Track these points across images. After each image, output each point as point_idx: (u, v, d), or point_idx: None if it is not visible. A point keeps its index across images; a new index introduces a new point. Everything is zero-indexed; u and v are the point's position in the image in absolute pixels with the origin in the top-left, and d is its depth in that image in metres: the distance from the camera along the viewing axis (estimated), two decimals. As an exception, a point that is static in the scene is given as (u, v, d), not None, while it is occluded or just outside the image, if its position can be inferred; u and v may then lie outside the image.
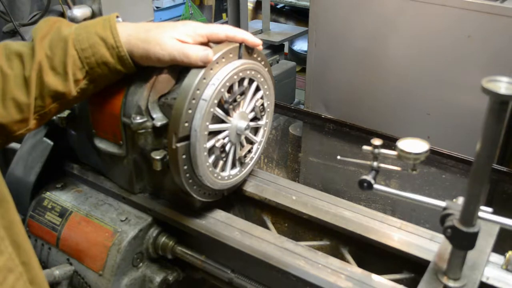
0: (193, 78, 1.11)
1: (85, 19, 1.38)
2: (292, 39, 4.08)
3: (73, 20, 1.37)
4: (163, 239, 1.31)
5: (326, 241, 1.32)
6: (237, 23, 3.06)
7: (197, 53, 1.09)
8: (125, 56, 1.10)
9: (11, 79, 1.02)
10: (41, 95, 1.06)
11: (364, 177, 1.09)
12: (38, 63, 1.04)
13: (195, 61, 1.10)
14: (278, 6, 5.18)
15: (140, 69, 1.18)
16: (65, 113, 1.37)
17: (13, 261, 0.68)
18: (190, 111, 1.11)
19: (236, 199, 1.44)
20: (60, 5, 2.26)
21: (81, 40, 1.07)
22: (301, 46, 4.49)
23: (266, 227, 1.36)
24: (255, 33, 3.45)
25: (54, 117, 1.37)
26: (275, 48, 3.44)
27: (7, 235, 0.68)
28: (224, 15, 6.43)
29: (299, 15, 4.91)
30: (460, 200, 0.98)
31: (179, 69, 1.21)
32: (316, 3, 2.24)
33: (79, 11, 1.37)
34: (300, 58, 4.07)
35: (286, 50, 4.22)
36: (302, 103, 2.98)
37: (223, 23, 6.26)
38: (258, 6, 4.66)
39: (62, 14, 2.26)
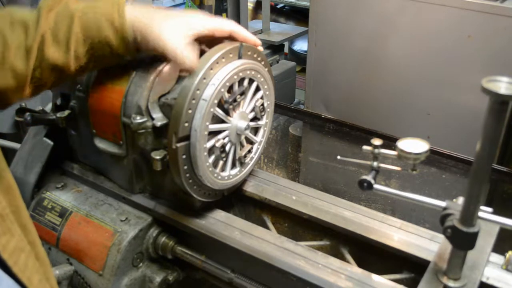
0: (193, 78, 1.11)
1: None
2: (292, 39, 4.08)
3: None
4: (163, 239, 1.31)
5: (326, 241, 1.32)
6: (237, 23, 3.06)
7: (185, 58, 1.10)
8: (129, 39, 1.10)
9: (12, 47, 1.02)
10: (40, 66, 1.06)
11: (364, 177, 1.09)
12: (41, 35, 1.04)
13: (182, 64, 1.12)
14: (278, 6, 5.18)
15: (140, 68, 1.18)
16: (65, 113, 1.37)
17: (22, 242, 0.75)
18: (190, 111, 1.11)
19: (236, 199, 1.44)
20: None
21: (87, 20, 1.08)
22: (301, 46, 4.49)
23: (266, 227, 1.36)
24: (255, 33, 3.45)
25: (54, 117, 1.38)
26: (275, 48, 3.44)
27: (15, 218, 0.75)
28: (224, 15, 6.42)
29: (299, 15, 4.91)
30: (460, 200, 0.98)
31: (179, 69, 1.21)
32: (316, 3, 2.24)
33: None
34: (300, 58, 4.07)
35: (286, 50, 4.22)
36: (302, 103, 2.98)
37: (223, 23, 6.25)
38: (258, 6, 4.66)
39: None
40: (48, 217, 1.38)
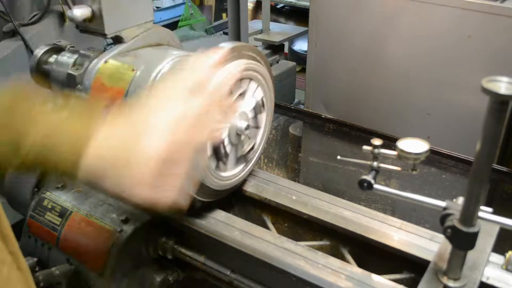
0: (194, 79, 1.11)
1: (84, 20, 1.38)
2: (292, 39, 4.08)
3: (72, 20, 1.37)
4: (163, 239, 1.31)
5: (326, 241, 1.32)
6: (237, 23, 3.06)
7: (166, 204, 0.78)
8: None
9: None
10: None
11: (364, 177, 1.09)
12: None
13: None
14: (278, 6, 5.18)
15: (140, 68, 1.18)
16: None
17: (3, 253, 0.69)
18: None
19: (236, 199, 1.44)
20: (60, 5, 2.26)
21: (39, 157, 0.75)
22: (301, 46, 4.49)
23: (266, 227, 1.36)
24: (255, 33, 3.45)
25: (54, 117, 1.38)
26: (275, 48, 3.43)
27: None
28: (224, 15, 6.43)
29: (299, 15, 4.91)
30: (460, 200, 0.98)
31: (179, 69, 1.21)
32: (316, 3, 2.24)
33: (79, 11, 1.36)
34: (300, 58, 4.06)
35: (286, 50, 4.22)
36: (302, 103, 2.98)
37: (223, 23, 6.26)
38: (258, 6, 4.66)
39: (62, 14, 2.27)
40: (48, 217, 1.37)
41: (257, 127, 1.33)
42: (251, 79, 1.25)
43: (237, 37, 2.91)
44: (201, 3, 6.54)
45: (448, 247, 1.00)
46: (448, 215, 0.98)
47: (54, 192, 1.42)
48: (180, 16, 6.01)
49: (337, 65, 2.19)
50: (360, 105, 2.21)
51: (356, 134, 2.09)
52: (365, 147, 1.07)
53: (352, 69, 2.19)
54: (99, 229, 1.30)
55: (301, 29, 3.72)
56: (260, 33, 3.50)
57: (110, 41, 1.45)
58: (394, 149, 1.01)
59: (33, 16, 2.22)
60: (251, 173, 1.41)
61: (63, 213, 1.36)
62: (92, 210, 1.34)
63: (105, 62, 1.33)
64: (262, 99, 1.30)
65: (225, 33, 5.02)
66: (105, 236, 1.27)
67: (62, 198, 1.40)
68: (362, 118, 2.15)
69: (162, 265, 1.34)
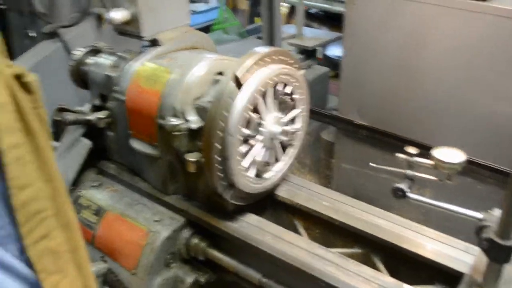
0: (228, 82, 1.13)
1: (122, 22, 1.41)
2: (325, 44, 4.06)
3: (111, 22, 1.40)
4: (195, 240, 1.32)
5: (357, 249, 1.31)
6: (270, 27, 3.07)
7: None
8: None
9: None
10: None
11: (398, 185, 1.08)
12: None
13: None
14: (312, 11, 5.17)
15: (175, 70, 1.20)
16: (104, 114, 1.41)
17: (75, 285, 0.70)
18: (224, 115, 1.12)
19: (268, 204, 1.44)
20: (99, 8, 2.31)
21: None
22: (334, 51, 4.46)
23: (298, 232, 1.36)
24: (289, 37, 3.45)
25: (92, 118, 1.41)
26: (308, 53, 3.43)
27: (72, 258, 0.69)
28: (257, 19, 6.45)
29: (333, 20, 4.88)
30: (496, 212, 0.96)
31: (214, 72, 1.23)
32: (351, 8, 2.23)
33: (117, 14, 1.40)
34: (333, 64, 4.04)
35: (319, 55, 4.20)
36: (335, 109, 2.97)
37: (256, 27, 6.28)
38: (291, 11, 4.65)
39: (100, 17, 2.32)
40: (84, 215, 1.41)
41: (291, 131, 1.33)
42: (286, 84, 1.25)
43: (270, 41, 2.92)
44: (234, 7, 6.58)
45: (484, 259, 0.98)
46: (484, 227, 0.96)
47: (90, 191, 1.46)
48: (213, 19, 6.06)
49: (371, 71, 2.17)
50: (395, 112, 2.18)
51: (389, 141, 2.07)
52: (399, 155, 1.07)
53: (387, 75, 2.17)
54: (133, 228, 1.32)
55: (335, 34, 3.70)
56: (293, 38, 3.50)
57: (146, 43, 1.48)
58: (429, 158, 1.00)
59: (72, 18, 2.28)
60: (283, 178, 1.42)
61: (99, 212, 1.39)
62: (126, 210, 1.37)
63: (142, 64, 1.36)
64: (297, 104, 1.30)
65: (259, 38, 5.03)
66: (139, 235, 1.30)
67: (98, 197, 1.43)
68: (396, 125, 2.13)
69: (194, 266, 1.36)
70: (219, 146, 1.14)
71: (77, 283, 0.70)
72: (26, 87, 0.65)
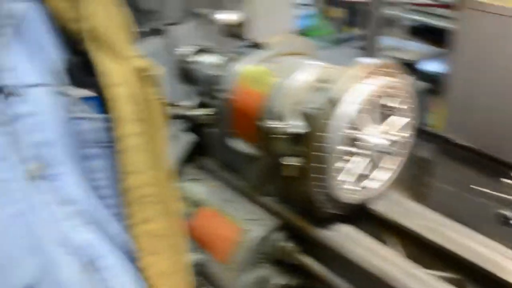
0: (337, 92, 1.12)
1: (229, 24, 1.45)
2: (424, 59, 3.95)
3: (218, 23, 1.45)
4: (287, 244, 1.33)
5: (455, 274, 1.26)
6: (369, 38, 3.03)
7: None
8: None
9: None
10: None
11: (503, 211, 1.03)
12: None
13: None
14: (412, 25, 5.04)
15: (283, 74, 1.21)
16: (207, 111, 1.45)
17: (173, 268, 0.74)
18: (330, 124, 1.12)
19: (363, 216, 1.42)
20: (205, 9, 2.39)
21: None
22: (433, 66, 4.32)
23: (392, 248, 1.33)
24: (387, 50, 3.39)
25: (197, 114, 1.47)
26: (406, 67, 3.35)
27: (170, 243, 0.73)
28: (352, 28, 6.38)
29: (433, 35, 4.73)
30: None
31: (318, 79, 1.24)
32: (461, 24, 2.14)
33: (225, 16, 1.44)
34: (431, 79, 3.92)
35: (416, 69, 4.08)
36: (432, 126, 2.87)
37: (349, 36, 6.23)
38: (390, 23, 4.57)
39: (205, 17, 2.40)
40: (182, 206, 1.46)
41: (394, 145, 1.31)
42: (393, 97, 1.23)
43: (369, 52, 2.88)
44: (329, 15, 6.55)
45: None
46: None
47: (190, 184, 1.51)
48: (307, 26, 6.07)
49: (480, 91, 2.07)
50: (502, 135, 2.07)
51: (493, 165, 1.97)
52: (506, 180, 1.02)
53: (497, 96, 2.06)
54: (228, 225, 1.35)
55: (435, 48, 3.59)
56: (392, 51, 3.43)
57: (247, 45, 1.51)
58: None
59: (178, 17, 2.37)
60: (381, 192, 1.39)
61: (196, 204, 1.44)
62: (223, 205, 1.41)
63: (248, 65, 1.39)
64: (403, 118, 1.27)
65: (355, 47, 5.00)
66: (234, 232, 1.33)
67: (196, 190, 1.48)
68: (502, 149, 2.02)
69: (283, 269, 1.37)
70: (319, 155, 1.14)
71: (171, 266, 0.73)
72: (151, 79, 0.69)
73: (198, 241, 1.40)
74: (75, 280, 0.56)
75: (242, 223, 1.33)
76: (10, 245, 0.47)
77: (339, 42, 6.13)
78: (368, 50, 2.91)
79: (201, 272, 1.36)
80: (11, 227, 0.46)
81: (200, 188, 1.49)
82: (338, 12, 6.49)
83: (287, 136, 1.23)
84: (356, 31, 6.32)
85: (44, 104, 0.55)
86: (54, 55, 0.57)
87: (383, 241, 1.38)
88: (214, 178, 1.53)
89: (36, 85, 0.53)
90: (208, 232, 1.38)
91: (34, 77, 0.54)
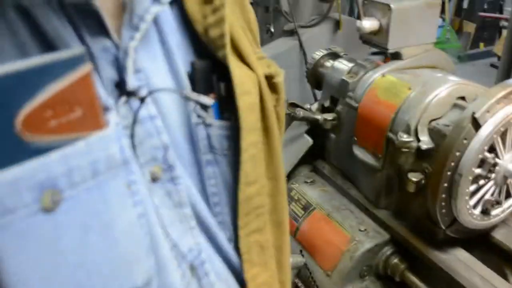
0: (478, 112, 1.07)
1: (370, 32, 1.43)
2: None
3: (360, 30, 1.43)
4: (395, 260, 1.30)
5: None
6: (503, 56, 2.83)
7: None
8: None
9: None
10: None
11: None
12: None
13: None
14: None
15: (417, 88, 1.18)
16: (332, 116, 1.45)
17: (273, 279, 0.72)
18: (468, 144, 1.07)
19: (481, 243, 1.34)
20: (337, 13, 2.39)
21: None
22: None
23: (508, 281, 1.24)
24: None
25: (320, 117, 1.47)
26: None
27: (275, 255, 0.72)
28: (482, 44, 6.02)
29: None
30: None
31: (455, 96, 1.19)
32: None
33: (368, 23, 1.42)
34: None
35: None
36: None
37: (479, 52, 5.87)
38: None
39: (337, 22, 2.40)
40: (292, 207, 1.48)
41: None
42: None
43: (503, 72, 2.70)
44: (459, 29, 6.24)
45: None
46: None
47: (302, 186, 1.52)
48: (435, 38, 5.84)
49: None
50: None
51: None
52: None
53: None
54: (337, 232, 1.35)
55: None
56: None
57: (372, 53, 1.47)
58: None
59: (312, 20, 2.40)
60: (503, 220, 1.30)
61: (307, 207, 1.45)
62: (334, 212, 1.40)
63: (382, 75, 1.36)
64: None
65: (492, 65, 4.74)
66: (342, 240, 1.32)
67: (309, 193, 1.49)
68: None
69: (387, 285, 1.33)
70: (448, 176, 1.09)
71: (274, 278, 0.72)
72: (273, 86, 0.68)
73: (304, 244, 1.41)
74: (182, 283, 0.58)
75: (351, 232, 1.32)
76: (133, 244, 0.49)
77: (466, 58, 5.82)
78: (503, 69, 2.73)
79: (302, 276, 1.37)
80: (136, 227, 0.49)
81: (313, 192, 1.50)
82: (470, 27, 6.16)
83: (414, 151, 1.20)
84: (483, 47, 5.97)
85: (168, 108, 0.57)
86: (181, 59, 0.59)
87: (504, 274, 1.29)
88: (328, 183, 1.53)
89: (162, 89, 0.55)
90: (316, 236, 1.38)
91: (160, 80, 0.56)
